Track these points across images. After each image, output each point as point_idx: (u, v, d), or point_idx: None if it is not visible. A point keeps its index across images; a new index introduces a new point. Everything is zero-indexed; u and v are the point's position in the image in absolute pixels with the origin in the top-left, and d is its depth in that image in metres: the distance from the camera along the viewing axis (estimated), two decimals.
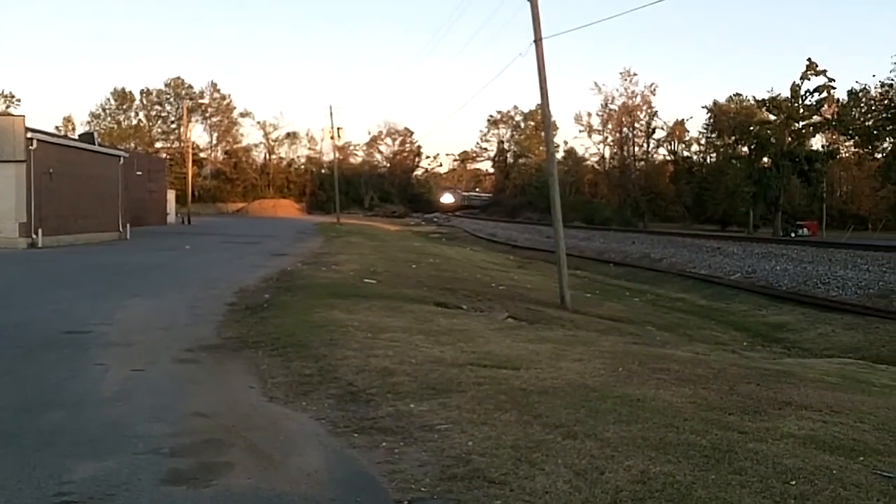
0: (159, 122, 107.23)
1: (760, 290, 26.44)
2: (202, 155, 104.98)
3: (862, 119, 51.90)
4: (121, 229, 37.38)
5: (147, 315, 13.07)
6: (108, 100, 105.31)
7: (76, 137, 51.77)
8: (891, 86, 46.80)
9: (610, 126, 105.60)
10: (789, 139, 68.51)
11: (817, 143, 74.89)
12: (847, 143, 66.59)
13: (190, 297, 15.42)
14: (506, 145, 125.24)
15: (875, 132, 49.04)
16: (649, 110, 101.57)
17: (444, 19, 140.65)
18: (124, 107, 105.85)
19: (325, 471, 5.33)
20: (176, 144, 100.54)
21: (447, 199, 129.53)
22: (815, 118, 68.26)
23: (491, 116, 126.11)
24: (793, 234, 64.09)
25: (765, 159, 70.79)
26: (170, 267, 22.84)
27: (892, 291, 22.94)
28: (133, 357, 9.37)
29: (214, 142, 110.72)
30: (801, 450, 5.54)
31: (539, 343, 10.81)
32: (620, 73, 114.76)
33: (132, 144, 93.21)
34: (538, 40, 20.02)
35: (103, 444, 5.86)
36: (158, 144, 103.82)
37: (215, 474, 5.21)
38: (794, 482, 4.86)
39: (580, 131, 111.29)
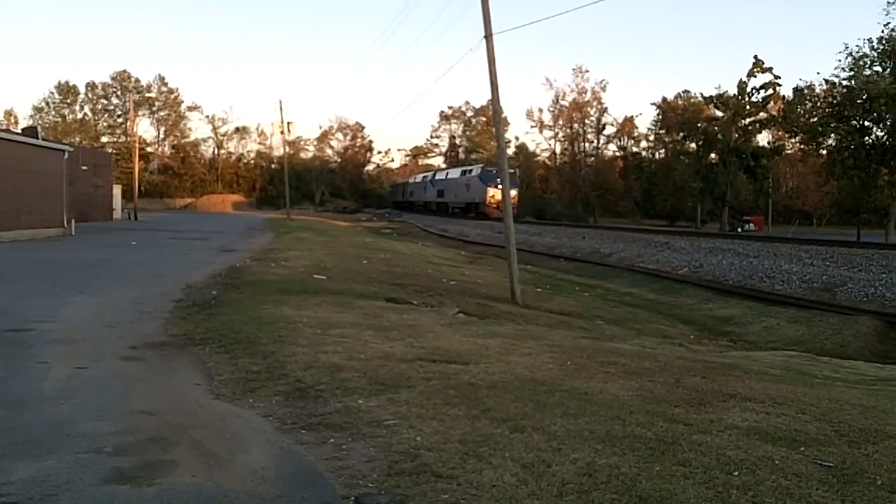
0: (105, 115, 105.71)
1: (707, 285, 26.79)
2: (149, 149, 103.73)
3: (807, 116, 52.81)
4: (65, 225, 36.67)
5: (92, 312, 12.83)
6: (52, 93, 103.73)
7: (19, 132, 50.63)
8: (835, 84, 47.60)
9: (561, 122, 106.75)
10: (736, 135, 69.56)
11: (763, 139, 76.26)
12: (792, 140, 67.70)
13: (136, 294, 15.17)
14: (457, 140, 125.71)
15: (820, 129, 49.86)
16: (599, 106, 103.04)
17: (396, 14, 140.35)
18: (69, 100, 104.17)
19: (272, 467, 5.27)
20: (122, 139, 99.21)
21: (495, 190, 64.72)
22: (762, 115, 69.40)
23: (442, 112, 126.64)
24: (739, 230, 65.22)
25: (712, 155, 71.84)
26: (115, 263, 22.46)
27: (836, 285, 23.40)
28: (77, 355, 9.18)
29: (162, 136, 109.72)
30: (745, 441, 5.62)
31: (489, 338, 10.84)
32: (572, 70, 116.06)
33: (77, 139, 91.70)
34: (488, 36, 20.07)
35: (44, 444, 5.72)
36: (104, 139, 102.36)
37: (159, 473, 5.12)
38: (736, 473, 4.93)
39: (531, 127, 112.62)
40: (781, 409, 6.68)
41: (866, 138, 46.29)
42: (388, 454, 5.37)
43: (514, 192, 66.24)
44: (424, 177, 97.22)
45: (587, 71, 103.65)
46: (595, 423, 6.04)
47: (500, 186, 62.59)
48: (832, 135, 49.39)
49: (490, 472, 4.95)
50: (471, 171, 76.95)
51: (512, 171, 71.25)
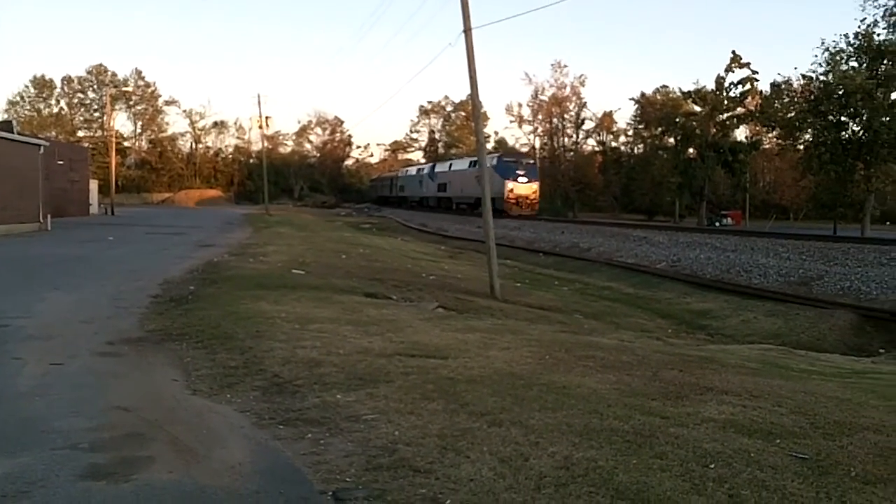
0: (81, 110, 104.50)
1: (685, 279, 26.90)
2: (126, 144, 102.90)
3: (784, 111, 53.00)
4: (41, 220, 36.34)
5: (68, 308, 12.74)
6: (27, 87, 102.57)
7: None
8: (811, 79, 47.81)
9: (540, 117, 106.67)
10: (714, 130, 69.75)
11: (741, 134, 76.48)
12: (770, 135, 68.01)
13: (112, 290, 15.08)
14: (437, 135, 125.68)
15: (797, 124, 50.02)
16: (579, 101, 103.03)
17: (375, 7, 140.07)
18: (44, 94, 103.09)
19: (249, 463, 5.26)
20: (99, 133, 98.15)
21: (523, 182, 59.42)
22: (739, 110, 69.57)
23: (422, 106, 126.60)
24: (717, 224, 65.58)
25: (690, 150, 72.00)
26: (92, 259, 22.29)
27: (812, 279, 23.56)
28: (52, 351, 9.12)
29: (139, 130, 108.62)
30: (721, 434, 5.67)
31: (468, 332, 10.85)
32: (551, 65, 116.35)
33: (53, 133, 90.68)
34: (467, 30, 20.06)
35: (19, 441, 5.68)
36: (81, 133, 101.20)
37: (136, 469, 5.10)
38: (713, 465, 4.97)
39: (511, 122, 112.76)
40: (758, 402, 6.73)
41: (843, 133, 46.51)
42: (366, 449, 5.37)
43: (535, 186, 60.68)
44: (420, 169, 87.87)
45: (566, 66, 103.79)
46: (573, 416, 6.06)
47: (521, 179, 58.08)
48: (809, 130, 49.60)
49: (468, 466, 4.96)
50: None
51: (532, 161, 65.35)
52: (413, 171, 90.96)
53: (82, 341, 9.80)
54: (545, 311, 18.44)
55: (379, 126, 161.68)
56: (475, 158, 66.96)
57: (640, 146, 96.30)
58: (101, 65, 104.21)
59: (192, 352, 9.03)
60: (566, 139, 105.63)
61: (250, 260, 21.84)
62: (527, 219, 53.17)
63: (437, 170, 78.13)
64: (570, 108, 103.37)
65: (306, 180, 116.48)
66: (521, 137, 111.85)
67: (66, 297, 14.05)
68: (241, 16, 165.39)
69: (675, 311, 22.10)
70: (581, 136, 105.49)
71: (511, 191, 57.51)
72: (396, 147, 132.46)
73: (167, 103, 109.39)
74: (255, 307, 12.30)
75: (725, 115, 70.08)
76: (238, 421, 6.26)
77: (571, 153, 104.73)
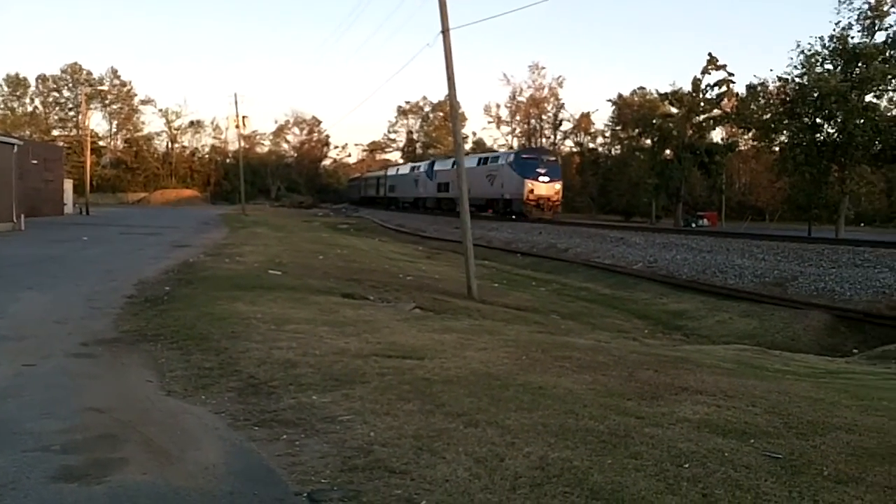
0: (56, 109, 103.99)
1: (662, 279, 27.02)
2: (101, 143, 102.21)
3: (760, 113, 53.33)
4: (15, 220, 36.00)
5: (41, 308, 12.61)
6: (1, 86, 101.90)
7: None
8: (787, 81, 48.16)
9: (518, 117, 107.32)
10: (691, 132, 70.23)
11: (717, 136, 77.04)
12: (746, 137, 68.51)
13: (87, 290, 14.95)
14: (415, 135, 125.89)
15: (772, 126, 50.36)
16: (556, 102, 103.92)
17: (353, 7, 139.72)
18: (18, 93, 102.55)
19: (224, 464, 5.22)
20: (74, 132, 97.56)
21: (545, 182, 53.86)
22: (716, 112, 70.06)
23: (400, 107, 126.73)
24: (693, 225, 65.98)
25: (667, 151, 72.46)
26: (66, 259, 22.10)
27: (787, 280, 23.73)
28: (25, 352, 9.02)
29: (114, 130, 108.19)
30: (696, 434, 5.70)
31: (445, 333, 10.84)
32: (529, 66, 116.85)
33: (27, 132, 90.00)
34: (445, 31, 20.04)
35: None
36: (55, 132, 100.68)
37: (109, 470, 5.05)
38: (687, 465, 4.99)
39: (489, 122, 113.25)
40: (732, 402, 6.77)
41: (817, 135, 46.88)
42: (341, 450, 5.35)
43: (558, 186, 54.73)
44: (415, 167, 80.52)
45: (544, 68, 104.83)
46: (549, 416, 6.08)
47: (542, 178, 52.53)
48: (784, 132, 49.95)
49: (443, 467, 4.95)
50: (497, 158, 60.01)
51: (554, 157, 59.93)
52: (406, 169, 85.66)
53: (56, 342, 9.71)
54: (522, 312, 18.46)
55: (357, 126, 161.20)
56: (485, 155, 65.16)
57: (618, 147, 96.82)
58: (76, 63, 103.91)
59: (166, 353, 8.96)
60: (544, 140, 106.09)
61: (226, 260, 21.71)
62: (507, 220, 52.53)
63: (436, 168, 70.99)
64: (548, 109, 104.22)
65: (283, 180, 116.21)
66: (499, 138, 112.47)
67: (40, 298, 13.92)
68: (219, 15, 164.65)
69: (652, 312, 22.20)
70: (559, 136, 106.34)
71: (531, 191, 52.76)
72: (374, 147, 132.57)
73: (143, 102, 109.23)
74: (230, 308, 12.23)
75: (702, 117, 70.61)
76: (213, 422, 6.22)
77: None
